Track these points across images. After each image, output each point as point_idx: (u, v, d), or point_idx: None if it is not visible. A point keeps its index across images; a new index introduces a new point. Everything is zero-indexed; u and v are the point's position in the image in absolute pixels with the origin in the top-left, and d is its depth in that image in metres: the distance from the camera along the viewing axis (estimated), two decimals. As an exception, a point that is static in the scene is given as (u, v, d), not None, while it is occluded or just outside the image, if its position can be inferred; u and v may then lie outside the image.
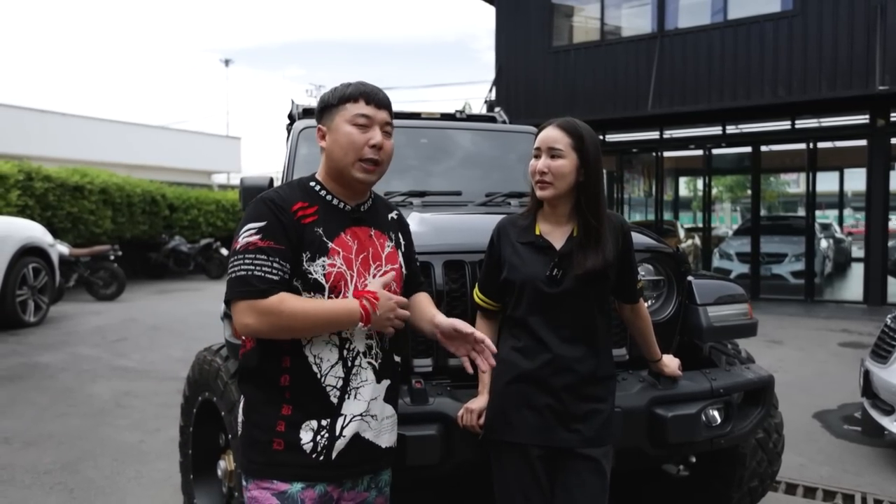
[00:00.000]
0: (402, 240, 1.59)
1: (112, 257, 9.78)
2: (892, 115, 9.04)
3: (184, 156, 22.04)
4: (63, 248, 8.92)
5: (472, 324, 1.85)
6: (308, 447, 1.38)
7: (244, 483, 1.43)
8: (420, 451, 1.70)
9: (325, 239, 1.41)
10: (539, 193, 1.69)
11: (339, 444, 1.40)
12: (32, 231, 7.46)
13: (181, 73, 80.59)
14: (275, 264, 1.34)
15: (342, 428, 1.40)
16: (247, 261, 1.34)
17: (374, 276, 1.46)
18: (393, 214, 1.61)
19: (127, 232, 12.20)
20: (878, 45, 8.57)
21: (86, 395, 4.59)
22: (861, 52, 8.78)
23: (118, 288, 9.65)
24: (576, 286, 1.65)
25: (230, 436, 2.15)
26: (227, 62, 36.99)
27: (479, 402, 1.75)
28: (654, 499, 2.78)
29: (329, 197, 1.47)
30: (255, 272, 1.33)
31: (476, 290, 1.84)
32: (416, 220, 2.26)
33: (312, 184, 1.49)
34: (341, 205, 1.48)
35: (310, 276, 1.39)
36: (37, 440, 3.69)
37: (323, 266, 1.39)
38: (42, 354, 5.87)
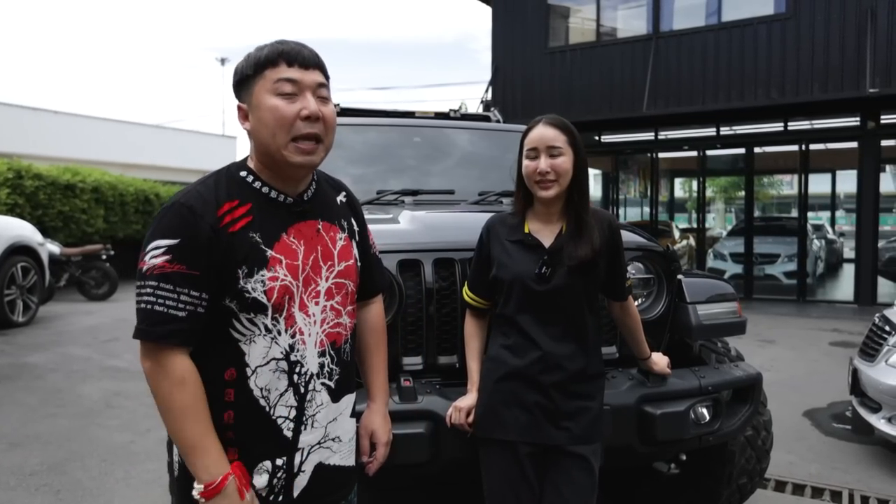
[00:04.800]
0: (355, 226, 1.36)
1: (104, 257, 9.71)
2: (883, 117, 9.10)
3: (179, 155, 21.93)
4: (54, 248, 8.85)
5: (463, 321, 1.86)
6: (264, 492, 1.19)
7: None
8: (408, 449, 1.69)
9: (263, 247, 1.16)
10: (542, 194, 1.67)
11: (300, 481, 1.22)
12: (21, 230, 7.40)
13: (177, 72, 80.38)
14: (182, 297, 1.11)
15: (301, 463, 1.22)
16: (147, 290, 1.11)
17: (326, 280, 1.24)
18: (341, 196, 1.36)
19: (120, 231, 12.13)
20: (869, 48, 8.63)
21: (75, 396, 4.55)
22: (852, 55, 8.84)
23: (110, 288, 9.58)
24: (565, 283, 1.65)
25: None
26: (223, 61, 36.42)
27: (468, 400, 1.74)
28: (645, 497, 2.78)
29: (265, 189, 1.21)
30: (157, 306, 1.11)
31: (465, 289, 1.84)
32: (407, 218, 2.26)
33: (244, 174, 1.22)
34: (280, 197, 1.22)
35: (247, 294, 1.14)
36: (23, 441, 3.65)
37: (263, 281, 1.15)
38: (31, 355, 5.81)
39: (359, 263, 1.34)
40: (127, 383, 4.90)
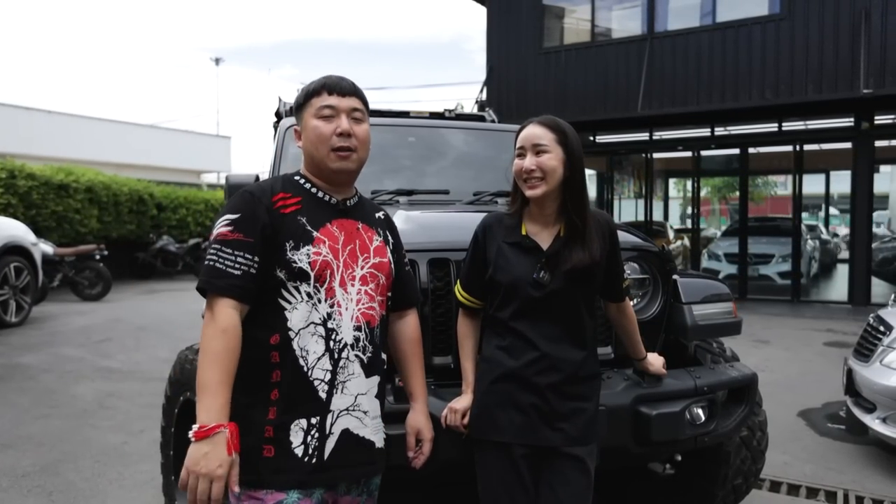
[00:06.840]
0: (390, 238, 1.59)
1: (98, 257, 9.67)
2: (877, 117, 9.14)
3: (173, 155, 21.87)
4: (47, 248, 8.82)
5: (455, 320, 1.85)
6: (300, 450, 1.35)
7: (235, 492, 1.32)
8: (403, 450, 1.68)
9: (308, 227, 1.41)
10: (529, 193, 1.66)
11: (330, 443, 1.38)
12: (14, 230, 7.37)
13: (171, 72, 79.83)
14: (238, 258, 1.35)
15: (331, 425, 1.38)
16: (212, 251, 1.37)
17: (361, 268, 1.46)
18: (380, 214, 1.61)
19: (113, 231, 12.08)
20: (863, 48, 8.67)
21: (68, 397, 4.53)
22: (846, 56, 8.88)
23: (104, 288, 9.54)
24: (563, 287, 1.64)
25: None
26: (217, 61, 36.27)
27: (464, 401, 1.73)
28: (640, 497, 2.78)
29: (314, 190, 1.48)
30: (217, 264, 1.35)
31: (458, 288, 1.81)
32: (402, 218, 2.24)
33: (297, 178, 1.50)
34: (327, 197, 1.48)
35: (294, 264, 1.38)
36: (16, 442, 3.63)
37: (308, 254, 1.39)
38: (23, 355, 5.78)
39: (393, 265, 1.55)
40: (120, 384, 4.88)
